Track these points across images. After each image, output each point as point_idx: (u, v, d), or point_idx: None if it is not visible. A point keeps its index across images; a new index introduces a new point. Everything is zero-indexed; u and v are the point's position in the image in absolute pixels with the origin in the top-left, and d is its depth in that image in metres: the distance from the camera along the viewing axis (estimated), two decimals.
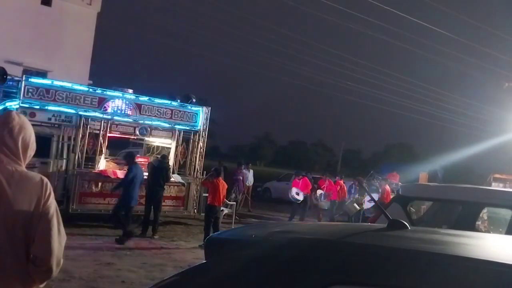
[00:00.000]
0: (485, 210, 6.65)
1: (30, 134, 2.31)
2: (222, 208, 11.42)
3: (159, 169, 11.09)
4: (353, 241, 1.74)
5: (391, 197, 12.11)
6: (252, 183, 19.01)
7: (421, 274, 1.45)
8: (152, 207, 10.99)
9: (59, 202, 10.07)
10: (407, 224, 1.99)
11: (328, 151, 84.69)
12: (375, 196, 14.53)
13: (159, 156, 11.99)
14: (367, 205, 14.32)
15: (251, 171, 18.94)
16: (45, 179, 2.27)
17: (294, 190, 15.45)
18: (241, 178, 17.71)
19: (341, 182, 16.08)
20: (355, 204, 14.44)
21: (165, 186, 11.36)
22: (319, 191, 15.94)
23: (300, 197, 15.28)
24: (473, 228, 4.94)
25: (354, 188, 16.04)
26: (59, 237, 2.20)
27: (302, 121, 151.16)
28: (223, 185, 10.59)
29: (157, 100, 12.27)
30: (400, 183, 14.29)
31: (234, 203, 14.29)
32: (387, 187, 14.84)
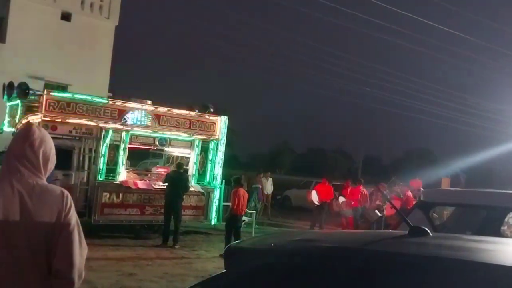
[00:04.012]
0: (510, 215, 6.51)
1: (50, 147, 2.35)
2: (243, 218, 11.45)
3: (178, 180, 11.17)
4: (373, 248, 1.72)
5: (413, 203, 11.94)
6: (271, 191, 18.96)
7: (442, 280, 1.42)
8: (172, 217, 11.05)
9: (81, 213, 10.18)
10: (428, 231, 1.96)
11: (347, 158, 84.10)
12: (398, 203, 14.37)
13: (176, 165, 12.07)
14: (389, 211, 14.14)
15: (270, 179, 18.90)
16: (66, 192, 2.29)
17: (314, 193, 15.56)
18: (260, 186, 17.71)
19: (361, 188, 15.90)
20: (377, 211, 14.27)
21: (184, 197, 11.42)
22: (341, 198, 15.81)
23: (315, 201, 15.38)
24: (498, 233, 4.84)
25: (375, 194, 15.86)
26: (80, 250, 2.21)
27: (321, 128, 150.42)
28: (244, 194, 10.63)
29: (176, 111, 12.37)
30: (422, 189, 14.09)
31: (254, 211, 14.28)
32: (409, 193, 14.65)
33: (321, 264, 1.62)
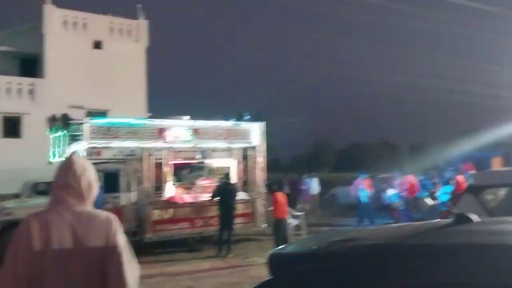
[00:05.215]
0: None
1: (92, 174, 2.45)
2: (289, 221, 11.42)
3: (228, 190, 11.29)
4: (413, 242, 1.69)
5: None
6: (318, 191, 18.83)
7: (484, 267, 1.38)
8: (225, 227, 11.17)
9: (134, 233, 10.40)
10: (471, 218, 1.92)
11: (392, 149, 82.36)
12: (449, 188, 13.94)
13: (222, 176, 12.18)
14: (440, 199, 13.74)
15: (316, 179, 18.78)
16: (111, 216, 2.38)
17: (361, 189, 15.23)
18: (304, 188, 17.66)
19: (411, 177, 15.53)
20: (427, 200, 13.92)
21: (235, 206, 11.53)
22: (391, 191, 15.48)
23: (363, 197, 15.04)
24: None
25: (428, 183, 15.50)
26: (131, 269, 2.30)
27: (361, 122, 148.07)
28: (283, 197, 10.66)
29: (213, 122, 12.54)
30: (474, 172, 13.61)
31: (302, 213, 14.23)
32: (460, 177, 14.19)
33: (362, 264, 1.61)
